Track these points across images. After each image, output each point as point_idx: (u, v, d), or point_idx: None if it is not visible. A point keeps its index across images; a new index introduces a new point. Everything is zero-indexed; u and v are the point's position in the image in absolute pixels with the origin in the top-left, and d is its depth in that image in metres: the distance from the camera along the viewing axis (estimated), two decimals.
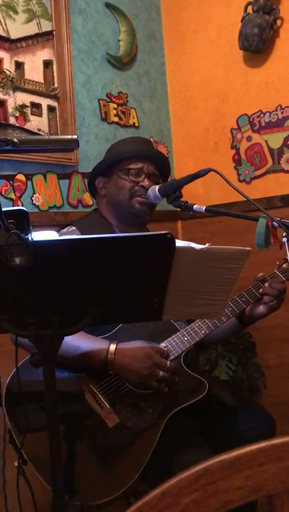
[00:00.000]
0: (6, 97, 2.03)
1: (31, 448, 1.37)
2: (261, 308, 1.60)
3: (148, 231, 1.83)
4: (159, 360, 1.46)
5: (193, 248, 1.05)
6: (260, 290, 1.59)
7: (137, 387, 1.48)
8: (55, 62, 2.25)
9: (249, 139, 2.72)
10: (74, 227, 1.71)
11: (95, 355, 1.45)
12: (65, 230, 1.73)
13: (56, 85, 2.25)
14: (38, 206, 2.15)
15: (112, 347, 1.45)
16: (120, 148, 1.79)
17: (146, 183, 1.71)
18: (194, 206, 1.57)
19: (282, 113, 2.62)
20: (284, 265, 1.63)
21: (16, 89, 2.07)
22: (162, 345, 1.54)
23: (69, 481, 1.38)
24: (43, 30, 2.21)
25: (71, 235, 1.68)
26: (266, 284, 1.59)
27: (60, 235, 1.70)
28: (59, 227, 1.93)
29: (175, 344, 1.55)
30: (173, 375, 1.47)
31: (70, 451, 1.40)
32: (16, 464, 1.37)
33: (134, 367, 1.43)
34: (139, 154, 1.74)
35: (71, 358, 1.44)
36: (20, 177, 2.09)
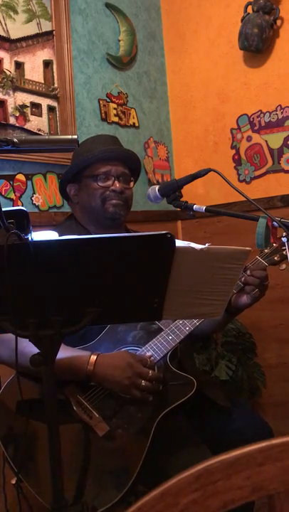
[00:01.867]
0: (6, 97, 2.04)
1: (24, 467, 1.35)
2: (245, 299, 1.55)
3: (127, 231, 1.81)
4: (141, 369, 1.43)
5: (193, 248, 1.05)
6: (242, 279, 1.54)
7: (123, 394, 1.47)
8: (55, 62, 2.25)
9: (249, 139, 2.72)
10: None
11: (76, 368, 1.43)
12: (54, 232, 1.71)
13: (56, 85, 2.25)
14: (38, 206, 2.15)
15: (93, 358, 1.43)
16: (85, 152, 1.71)
17: (116, 185, 1.67)
18: (194, 206, 1.57)
19: (282, 113, 2.62)
20: (266, 249, 1.57)
21: (16, 89, 2.07)
22: (148, 354, 1.51)
23: (66, 493, 1.37)
24: (43, 30, 2.21)
25: None
26: (248, 272, 1.54)
27: None
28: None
29: (160, 344, 1.53)
30: (156, 384, 1.44)
31: (63, 463, 1.39)
32: (13, 482, 1.36)
33: (115, 377, 1.42)
34: (105, 157, 1.68)
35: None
36: (20, 177, 2.09)
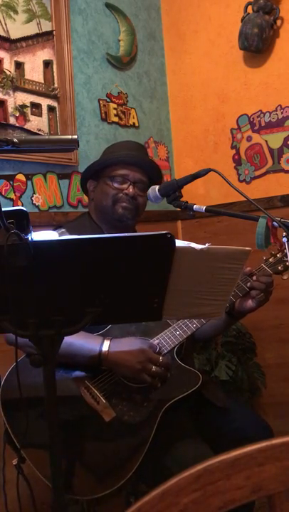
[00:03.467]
0: (6, 97, 2.03)
1: (30, 448, 1.38)
2: (250, 303, 1.61)
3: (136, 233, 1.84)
4: (152, 355, 1.48)
5: (193, 248, 1.05)
6: (248, 284, 1.60)
7: (131, 381, 1.50)
8: (55, 62, 2.25)
9: (249, 139, 2.72)
10: (64, 229, 1.71)
11: (88, 352, 1.46)
12: (55, 231, 1.73)
13: (56, 85, 2.25)
14: (38, 206, 2.15)
15: (106, 343, 1.47)
16: (110, 153, 1.78)
17: (130, 190, 1.70)
18: (194, 206, 1.57)
19: (282, 113, 2.62)
20: (270, 259, 1.64)
21: (16, 89, 2.07)
22: (155, 341, 1.56)
23: (67, 476, 1.38)
24: (43, 30, 2.21)
25: (61, 236, 1.69)
26: (254, 278, 1.60)
27: None
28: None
29: (167, 338, 1.57)
30: (165, 370, 1.49)
31: (67, 446, 1.40)
32: (15, 463, 1.37)
33: (127, 362, 1.46)
34: (126, 161, 1.72)
35: (64, 355, 1.44)
36: (20, 177, 2.09)
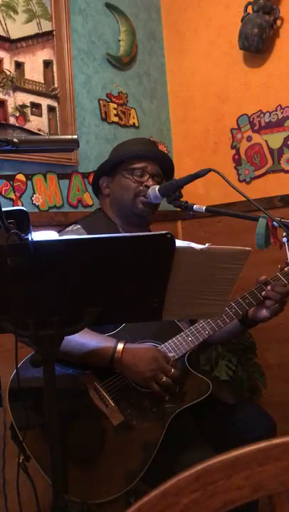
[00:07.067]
0: (6, 97, 2.03)
1: (35, 444, 1.37)
2: (264, 312, 1.61)
3: (150, 232, 1.83)
4: (165, 365, 1.47)
5: (193, 248, 1.05)
6: (263, 293, 1.59)
7: (141, 386, 1.49)
8: (55, 62, 2.25)
9: (249, 139, 2.72)
10: (79, 226, 1.72)
11: (101, 353, 1.46)
12: (70, 228, 1.74)
13: (56, 85, 2.25)
14: (38, 206, 2.15)
15: (120, 346, 1.46)
16: (125, 148, 1.80)
17: (150, 183, 1.71)
18: (194, 206, 1.57)
19: (282, 113, 2.62)
20: (286, 268, 1.62)
21: (16, 89, 2.07)
22: (170, 354, 1.54)
23: (73, 479, 1.38)
24: (43, 30, 2.21)
25: (76, 233, 1.69)
26: (268, 287, 1.58)
27: (64, 233, 1.70)
28: (59, 227, 1.93)
29: (179, 344, 1.55)
30: (175, 384, 1.48)
31: (73, 448, 1.40)
32: (20, 461, 1.36)
33: (138, 367, 1.45)
34: (144, 154, 1.75)
35: (77, 355, 1.45)
36: (20, 177, 2.09)
